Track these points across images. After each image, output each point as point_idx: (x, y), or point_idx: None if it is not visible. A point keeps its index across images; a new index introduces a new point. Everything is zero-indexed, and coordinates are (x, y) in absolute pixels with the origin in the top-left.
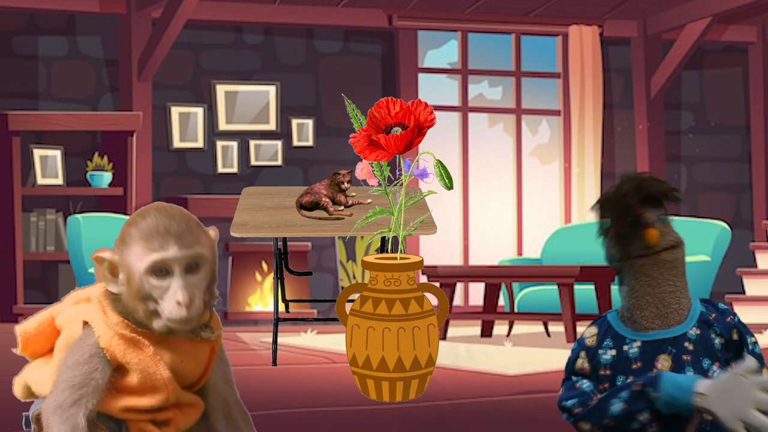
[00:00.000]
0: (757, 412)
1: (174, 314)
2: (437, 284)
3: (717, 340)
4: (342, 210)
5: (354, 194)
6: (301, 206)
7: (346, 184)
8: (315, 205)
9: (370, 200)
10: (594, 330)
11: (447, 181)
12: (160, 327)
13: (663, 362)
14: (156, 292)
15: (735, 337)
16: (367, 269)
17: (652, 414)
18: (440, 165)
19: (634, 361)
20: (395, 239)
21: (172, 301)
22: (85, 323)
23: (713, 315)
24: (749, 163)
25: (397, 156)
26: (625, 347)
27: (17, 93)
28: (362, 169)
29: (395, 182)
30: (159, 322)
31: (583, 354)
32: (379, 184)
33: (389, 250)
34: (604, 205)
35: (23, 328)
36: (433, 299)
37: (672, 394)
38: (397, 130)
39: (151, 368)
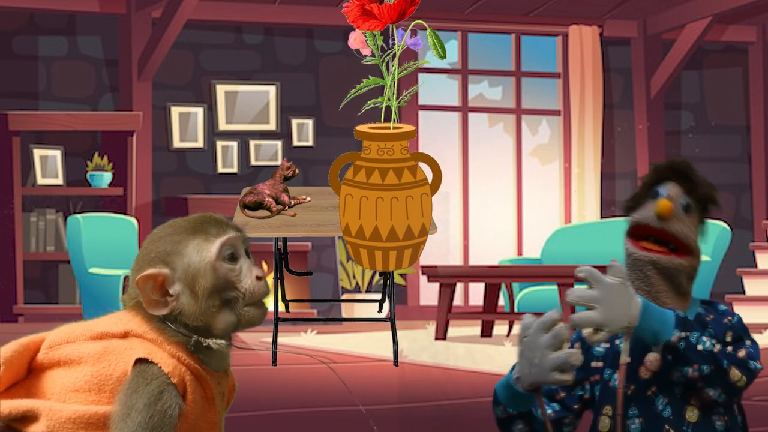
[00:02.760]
0: (556, 374)
1: (258, 290)
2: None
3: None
4: (286, 210)
5: (306, 198)
6: (245, 206)
7: (291, 172)
8: (258, 205)
9: (309, 198)
10: None
11: (440, 50)
12: (231, 321)
13: (652, 360)
14: (232, 275)
15: (728, 338)
16: (359, 138)
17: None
18: (433, 34)
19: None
20: (388, 110)
21: (252, 277)
22: (139, 360)
23: (711, 316)
24: (749, 163)
25: (391, 25)
26: (617, 341)
27: (17, 93)
28: (355, 39)
29: (388, 52)
30: (230, 316)
31: (578, 345)
32: (372, 54)
33: (382, 120)
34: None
35: (6, 356)
36: (426, 169)
37: (506, 380)
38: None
39: (202, 410)
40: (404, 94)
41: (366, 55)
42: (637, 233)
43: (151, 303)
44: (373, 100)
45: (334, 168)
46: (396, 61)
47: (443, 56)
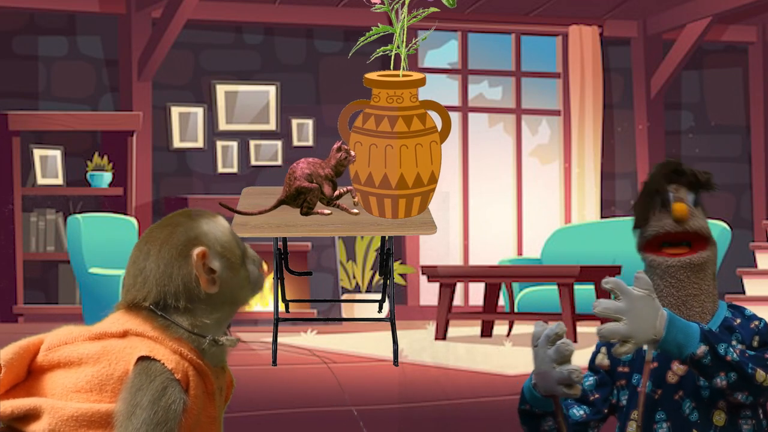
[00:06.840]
0: (563, 388)
1: (257, 256)
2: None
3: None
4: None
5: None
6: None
7: (344, 155)
8: (298, 195)
9: (329, 212)
10: None
11: None
12: (256, 287)
13: (678, 365)
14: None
15: (755, 344)
16: (369, 86)
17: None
18: None
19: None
20: (397, 58)
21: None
22: (141, 358)
23: (738, 321)
24: (749, 163)
25: None
26: (644, 346)
27: (17, 93)
28: None
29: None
30: (254, 283)
31: (604, 350)
32: (382, 2)
33: (392, 68)
34: (643, 187)
35: (6, 359)
36: (436, 117)
37: (527, 385)
38: None
39: (203, 405)
40: (413, 41)
41: (375, 3)
42: (655, 243)
43: (206, 282)
44: (382, 48)
45: (344, 115)
46: (405, 8)
47: (453, 3)
